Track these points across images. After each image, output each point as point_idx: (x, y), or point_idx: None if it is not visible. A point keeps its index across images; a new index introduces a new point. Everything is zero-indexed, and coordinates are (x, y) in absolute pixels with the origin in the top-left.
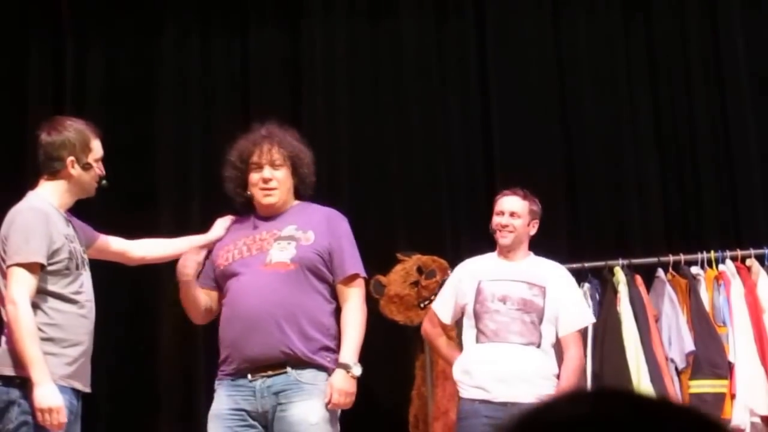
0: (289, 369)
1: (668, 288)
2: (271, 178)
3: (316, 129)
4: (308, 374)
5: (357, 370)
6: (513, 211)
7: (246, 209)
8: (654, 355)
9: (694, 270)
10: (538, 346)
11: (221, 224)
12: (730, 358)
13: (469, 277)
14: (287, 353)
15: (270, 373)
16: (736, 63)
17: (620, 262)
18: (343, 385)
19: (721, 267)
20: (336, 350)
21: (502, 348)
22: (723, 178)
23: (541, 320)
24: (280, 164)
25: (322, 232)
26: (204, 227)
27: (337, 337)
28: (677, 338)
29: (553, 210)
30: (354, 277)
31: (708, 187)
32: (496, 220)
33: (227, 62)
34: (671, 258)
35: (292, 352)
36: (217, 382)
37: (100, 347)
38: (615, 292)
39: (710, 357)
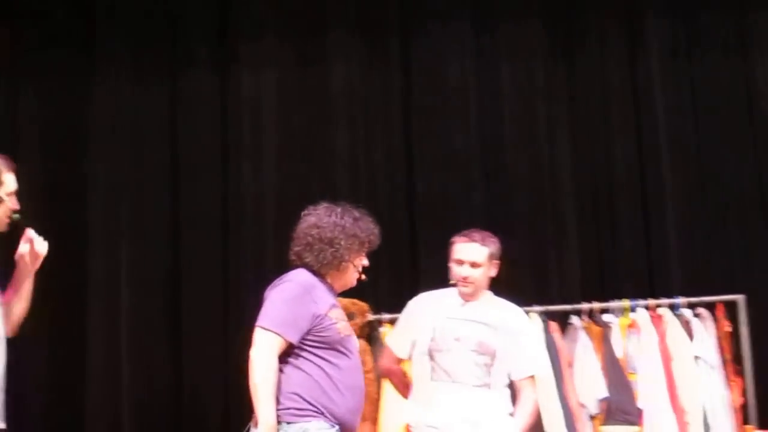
0: None
1: (582, 335)
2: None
3: (241, 169)
4: None
5: None
6: (473, 261)
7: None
8: (567, 400)
9: (608, 318)
10: (490, 387)
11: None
12: (640, 404)
13: (425, 313)
14: None
15: None
16: (655, 117)
17: (536, 308)
18: None
19: (633, 315)
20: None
21: (454, 388)
22: (637, 228)
23: (494, 362)
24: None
25: None
26: (133, 268)
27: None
28: (590, 384)
29: None
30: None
31: (623, 236)
32: (456, 269)
33: (158, 104)
34: (585, 306)
35: None
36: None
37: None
38: None
39: (622, 404)
